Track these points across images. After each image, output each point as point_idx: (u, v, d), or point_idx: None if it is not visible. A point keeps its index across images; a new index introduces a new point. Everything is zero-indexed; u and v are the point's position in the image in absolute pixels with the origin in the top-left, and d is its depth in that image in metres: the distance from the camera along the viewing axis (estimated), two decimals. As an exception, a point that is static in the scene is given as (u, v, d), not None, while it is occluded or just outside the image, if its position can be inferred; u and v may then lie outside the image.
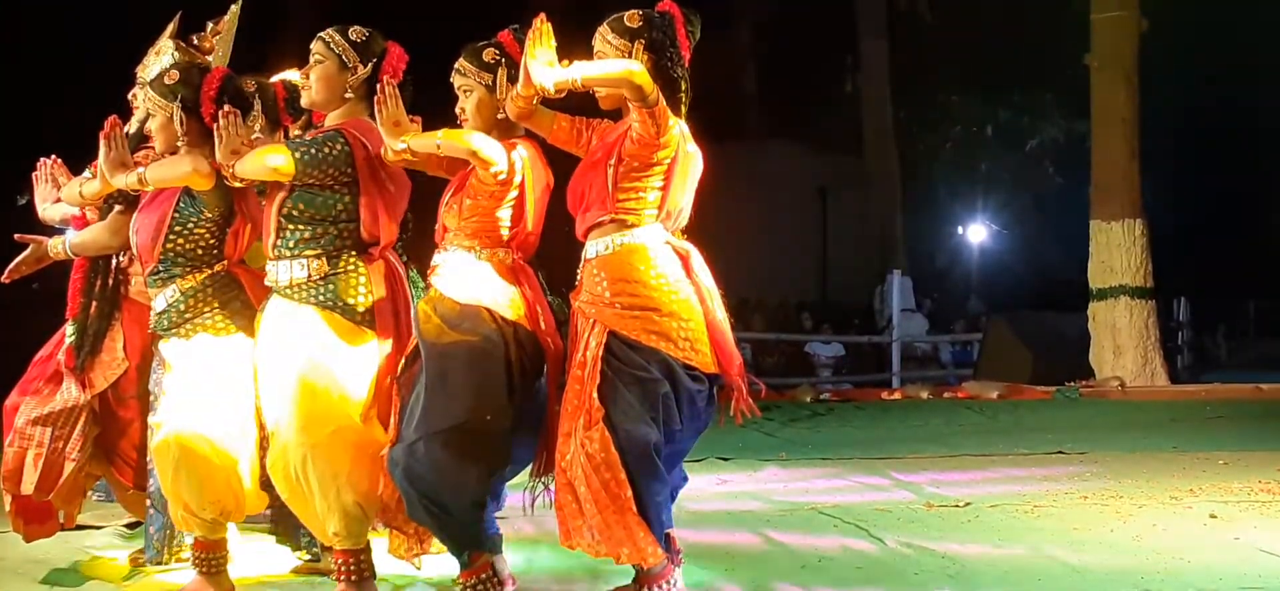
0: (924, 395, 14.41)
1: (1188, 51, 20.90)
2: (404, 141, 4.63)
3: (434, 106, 4.83)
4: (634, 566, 4.50)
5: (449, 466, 4.45)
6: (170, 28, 5.77)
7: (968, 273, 27.94)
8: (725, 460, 8.66)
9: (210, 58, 5.67)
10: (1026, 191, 27.84)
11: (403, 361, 4.72)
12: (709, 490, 7.46)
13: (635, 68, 4.39)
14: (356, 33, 4.87)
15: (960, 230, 28.38)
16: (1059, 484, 7.61)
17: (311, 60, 4.89)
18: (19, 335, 6.25)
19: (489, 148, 4.55)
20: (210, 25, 5.89)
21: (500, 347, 4.54)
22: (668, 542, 4.53)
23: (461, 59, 4.76)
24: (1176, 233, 23.11)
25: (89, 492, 5.75)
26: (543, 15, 4.45)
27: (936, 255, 27.78)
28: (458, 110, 4.76)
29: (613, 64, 4.50)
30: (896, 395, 14.96)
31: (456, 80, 4.76)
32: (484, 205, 4.63)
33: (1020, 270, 26.42)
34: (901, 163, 23.49)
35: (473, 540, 4.59)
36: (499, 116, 4.70)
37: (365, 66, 4.85)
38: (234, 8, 5.88)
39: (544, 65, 4.42)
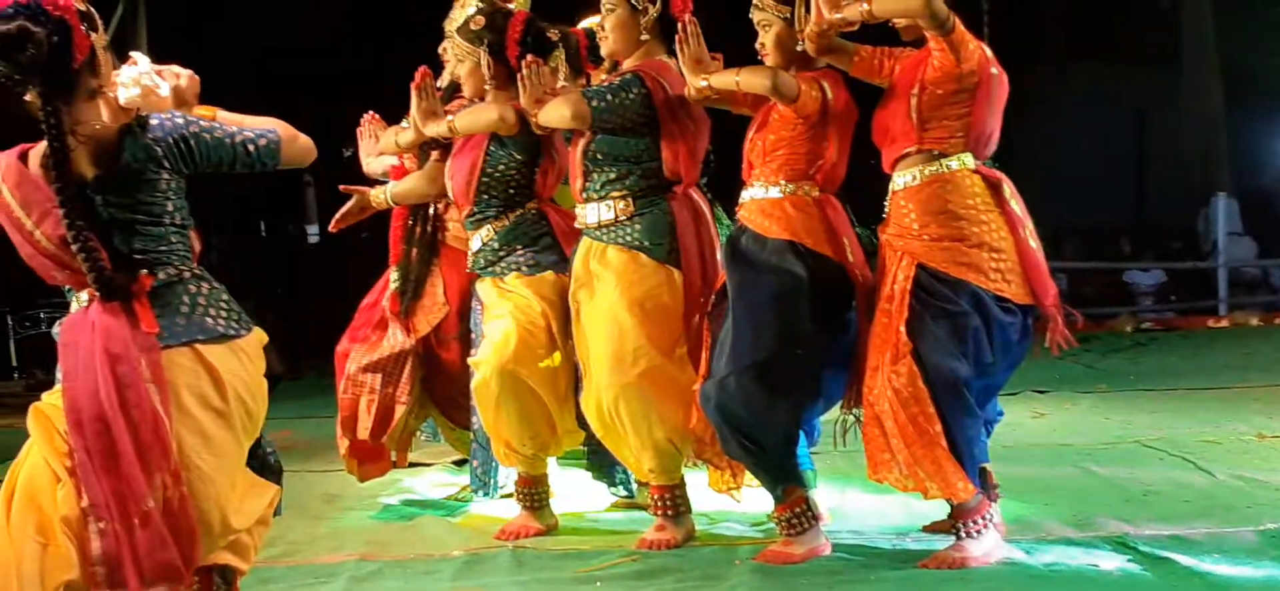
0: (1254, 322, 13.77)
1: None
2: (705, 79, 4.64)
3: (735, 43, 4.82)
4: (947, 501, 4.44)
5: (759, 400, 4.47)
6: None
7: (1300, 193, 26.47)
8: (1041, 393, 8.47)
9: (512, 4, 5.79)
10: (1364, 104, 26.14)
11: (713, 298, 4.76)
12: (1026, 423, 7.32)
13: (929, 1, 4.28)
14: None
15: (1291, 148, 26.89)
16: (1404, 412, 7.18)
17: (603, 10, 4.95)
18: (348, 282, 6.53)
19: (788, 83, 4.52)
20: (511, -26, 6.01)
21: (807, 281, 4.53)
22: (983, 477, 4.46)
23: None
24: None
25: (417, 432, 5.98)
26: None
27: (1265, 175, 26.39)
28: (758, 46, 4.74)
29: None
30: (1224, 323, 14.32)
31: (755, 16, 4.74)
32: (787, 139, 4.61)
33: (1359, 188, 24.86)
34: (1224, 78, 22.34)
35: (786, 474, 4.60)
36: (798, 50, 4.66)
37: (655, 5, 4.88)
38: None
39: (835, 1, 4.36)
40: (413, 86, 5.23)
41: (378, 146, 5.83)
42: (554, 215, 5.23)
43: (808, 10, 4.60)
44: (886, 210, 4.58)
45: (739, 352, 4.49)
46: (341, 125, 6.29)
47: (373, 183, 5.78)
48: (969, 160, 4.45)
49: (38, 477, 3.36)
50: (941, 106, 4.40)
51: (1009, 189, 4.48)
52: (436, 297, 5.62)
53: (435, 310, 5.60)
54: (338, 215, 5.69)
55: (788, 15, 4.65)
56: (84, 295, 3.41)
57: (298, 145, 3.62)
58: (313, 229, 19.87)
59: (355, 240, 6.97)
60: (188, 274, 3.47)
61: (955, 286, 4.35)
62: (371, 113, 5.97)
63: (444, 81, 5.64)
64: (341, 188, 5.69)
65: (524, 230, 5.17)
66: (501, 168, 5.14)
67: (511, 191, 5.17)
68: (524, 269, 5.12)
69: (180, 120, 3.44)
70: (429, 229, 5.67)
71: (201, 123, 3.47)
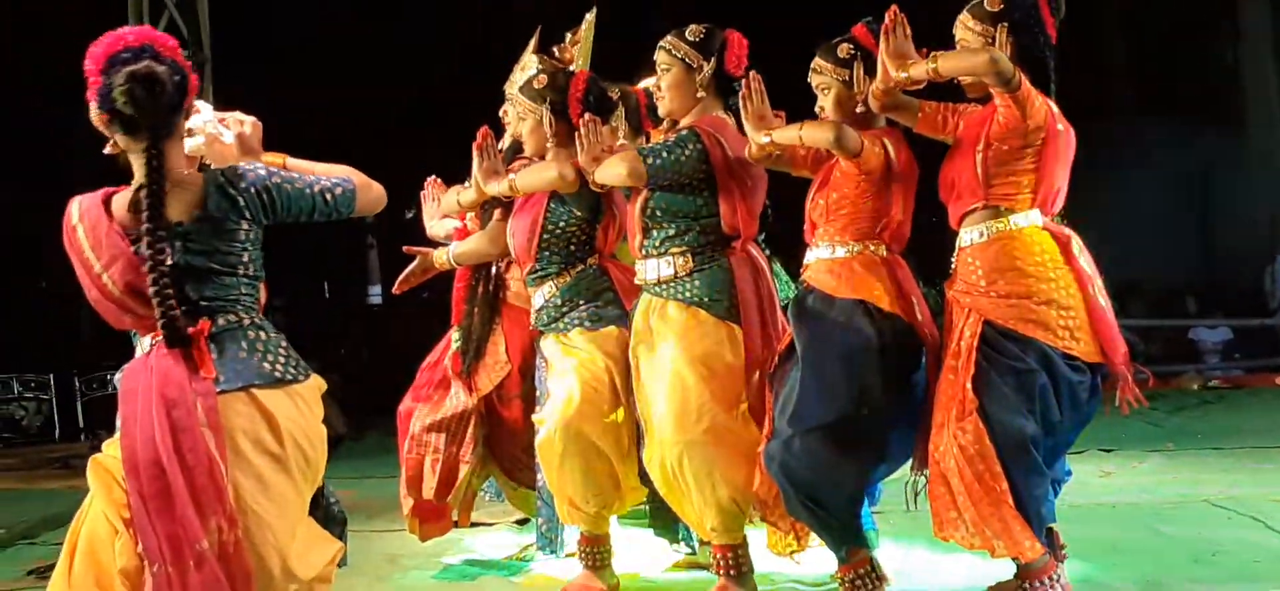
0: (1323, 379, 13.58)
1: None
2: (768, 135, 4.64)
3: (791, 100, 4.82)
4: (1013, 560, 4.39)
5: (825, 461, 4.44)
6: (532, 43, 5.97)
7: (1368, 248, 26.08)
8: (1108, 451, 8.39)
9: (571, 67, 5.84)
10: None
11: (778, 357, 4.74)
12: (1092, 482, 7.24)
13: (993, 56, 4.27)
14: (694, 32, 4.92)
15: (1359, 203, 26.51)
16: None
17: (659, 69, 4.97)
18: (410, 342, 6.57)
19: (849, 137, 4.51)
20: (568, 36, 6.06)
21: (876, 341, 4.50)
22: (1050, 537, 4.40)
23: (817, 57, 4.75)
24: None
25: (480, 492, 5.99)
26: (895, 8, 4.40)
27: (1332, 230, 26.02)
28: (817, 109, 4.75)
29: (970, 53, 4.40)
30: (1291, 381, 14.15)
31: (814, 79, 4.75)
32: (850, 197, 4.60)
33: None
34: (1290, 134, 22.14)
35: (850, 535, 4.57)
36: (858, 110, 4.67)
37: (709, 62, 4.89)
38: (589, 17, 6.03)
39: (901, 59, 4.36)
40: (475, 147, 5.27)
41: (440, 209, 5.88)
42: (615, 271, 5.24)
43: (866, 71, 4.61)
44: (953, 266, 4.56)
45: (806, 413, 4.46)
46: (404, 188, 6.34)
47: (436, 245, 5.82)
48: (1036, 216, 4.43)
49: (98, 531, 3.39)
50: (1008, 162, 4.38)
51: (1078, 245, 4.45)
52: (498, 356, 5.63)
53: (497, 369, 5.61)
54: (401, 277, 5.73)
55: (846, 77, 4.66)
56: (147, 340, 3.44)
57: (372, 193, 3.67)
58: (375, 289, 20.02)
59: (417, 301, 6.99)
60: (247, 321, 3.49)
61: (1023, 343, 4.32)
62: (434, 177, 6.01)
63: (505, 143, 5.69)
64: (405, 249, 5.73)
65: (586, 285, 5.18)
66: (562, 224, 5.17)
67: (572, 248, 5.19)
68: (586, 324, 5.13)
69: (263, 171, 3.49)
70: (491, 288, 5.70)
71: (282, 174, 3.52)
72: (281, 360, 3.50)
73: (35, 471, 11.13)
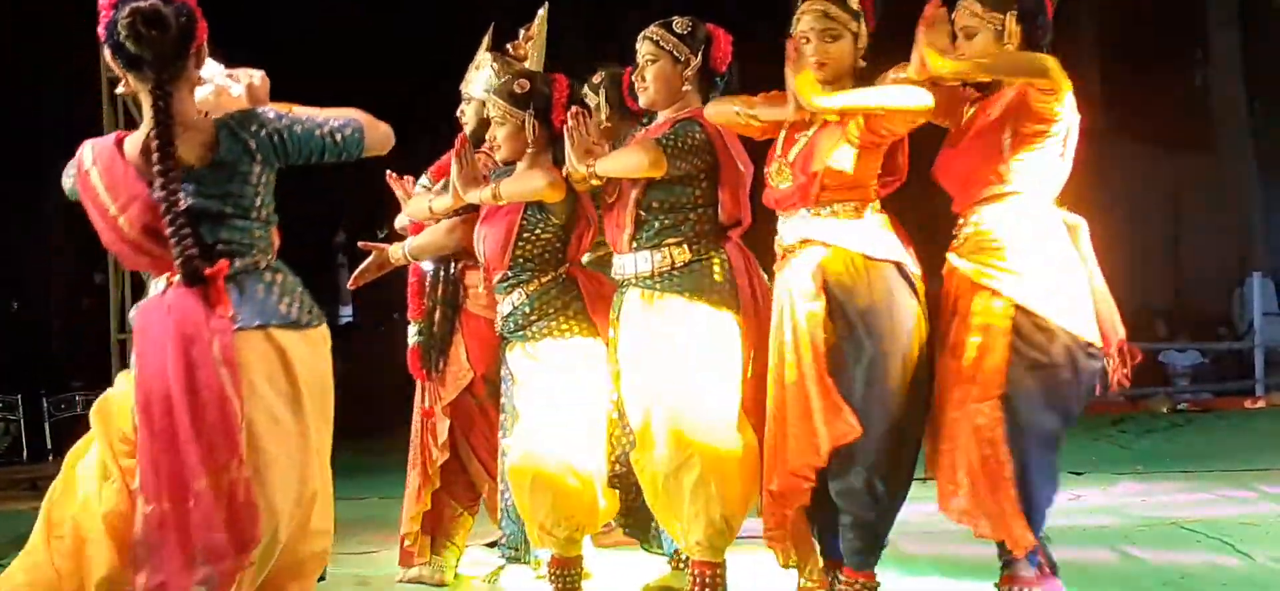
0: (1291, 402, 13.64)
1: None
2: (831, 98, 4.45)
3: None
4: (999, 553, 4.39)
5: (899, 496, 4.48)
6: (485, 41, 5.94)
7: (1336, 272, 26.21)
8: (1078, 474, 8.40)
9: (526, 64, 5.82)
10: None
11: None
12: (1062, 505, 7.12)
13: (1046, 62, 4.28)
14: (681, 24, 4.92)
15: (1329, 227, 26.67)
16: None
17: (642, 61, 4.95)
18: (382, 360, 6.55)
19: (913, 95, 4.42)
20: (522, 32, 6.03)
21: (919, 315, 4.47)
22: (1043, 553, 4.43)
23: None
24: None
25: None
26: (936, 0, 4.34)
27: (1301, 254, 26.17)
28: (816, 59, 4.54)
29: (1019, 57, 4.38)
30: (1260, 403, 14.20)
31: (817, 24, 4.53)
32: (861, 161, 4.50)
33: (1396, 269, 24.61)
34: (1258, 157, 22.28)
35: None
36: (861, 64, 4.58)
37: (696, 57, 4.90)
38: (542, 12, 6.02)
39: (937, 52, 4.28)
40: (454, 154, 5.23)
41: (405, 211, 5.79)
42: (584, 279, 5.20)
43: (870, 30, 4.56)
44: (961, 240, 4.50)
45: (869, 444, 4.37)
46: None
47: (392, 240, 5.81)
48: (1052, 204, 4.46)
49: (78, 476, 3.49)
50: (1030, 147, 4.36)
51: (1084, 234, 4.48)
52: (460, 365, 5.61)
53: (461, 376, 5.60)
54: (356, 272, 5.75)
55: (856, 30, 4.55)
56: (161, 281, 3.46)
57: (379, 131, 3.71)
58: (345, 309, 19.94)
59: (387, 319, 6.97)
60: (264, 263, 3.54)
61: (1049, 334, 4.30)
62: (390, 173, 5.90)
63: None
64: (360, 245, 5.72)
65: (556, 294, 5.13)
66: (539, 230, 5.12)
67: (546, 255, 5.15)
68: (556, 334, 5.08)
69: (271, 114, 3.54)
70: (450, 289, 5.66)
71: (290, 116, 3.56)
72: (298, 303, 3.57)
73: (3, 493, 11.06)
